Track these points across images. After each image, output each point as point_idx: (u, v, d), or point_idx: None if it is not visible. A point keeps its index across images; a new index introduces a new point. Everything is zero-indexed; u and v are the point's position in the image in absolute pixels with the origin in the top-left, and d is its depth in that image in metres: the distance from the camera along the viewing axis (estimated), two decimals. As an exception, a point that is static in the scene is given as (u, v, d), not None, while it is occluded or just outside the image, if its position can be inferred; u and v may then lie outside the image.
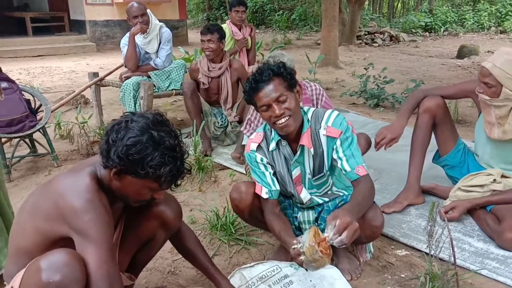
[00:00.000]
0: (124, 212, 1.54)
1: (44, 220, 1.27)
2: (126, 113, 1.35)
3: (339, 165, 1.74)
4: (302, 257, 1.46)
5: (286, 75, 1.67)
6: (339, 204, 1.89)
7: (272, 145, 1.79)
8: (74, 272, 1.15)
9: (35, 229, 1.28)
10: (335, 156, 1.75)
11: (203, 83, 3.58)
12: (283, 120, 1.65)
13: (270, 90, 1.64)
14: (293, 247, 1.52)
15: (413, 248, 2.13)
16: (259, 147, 1.82)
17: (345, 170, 1.73)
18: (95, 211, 1.24)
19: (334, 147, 1.74)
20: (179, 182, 1.37)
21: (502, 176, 2.28)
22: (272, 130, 1.78)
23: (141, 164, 1.24)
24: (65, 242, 1.25)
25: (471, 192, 2.27)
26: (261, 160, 1.81)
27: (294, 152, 1.79)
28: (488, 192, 2.24)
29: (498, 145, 2.27)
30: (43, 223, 1.27)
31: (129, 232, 1.57)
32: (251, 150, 1.83)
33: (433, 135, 2.51)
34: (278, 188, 1.84)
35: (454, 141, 2.49)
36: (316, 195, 1.90)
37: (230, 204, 1.99)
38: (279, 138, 1.77)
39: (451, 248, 1.59)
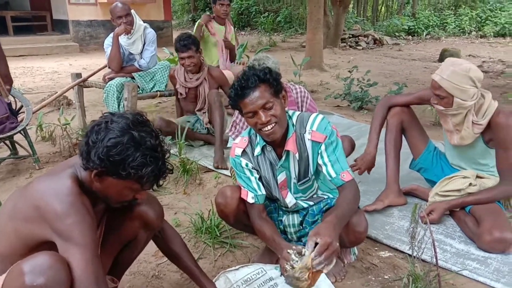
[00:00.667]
0: (105, 213, 1.52)
1: (24, 224, 1.24)
2: (105, 114, 1.33)
3: (324, 170, 1.74)
4: (288, 267, 1.44)
5: (272, 82, 1.64)
6: (324, 208, 1.90)
7: (257, 150, 1.78)
8: (58, 275, 1.13)
9: (14, 233, 1.25)
10: (320, 162, 1.74)
11: (180, 93, 3.56)
12: (269, 127, 1.64)
13: (256, 97, 1.61)
14: (288, 250, 1.49)
15: (396, 249, 2.15)
16: (244, 152, 1.81)
17: (330, 176, 1.73)
18: (77, 214, 1.22)
19: (319, 152, 1.74)
20: (161, 182, 1.36)
21: (477, 176, 2.33)
22: (257, 135, 1.77)
23: (122, 165, 1.23)
24: (47, 246, 1.23)
25: (448, 196, 2.32)
26: (246, 165, 1.80)
27: (279, 157, 1.78)
28: (465, 195, 2.28)
29: (463, 149, 2.35)
30: (23, 227, 1.24)
31: (110, 233, 1.55)
32: (236, 155, 1.81)
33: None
34: (264, 192, 1.83)
35: (424, 144, 2.59)
36: (302, 199, 1.90)
37: (215, 207, 1.98)
38: (264, 143, 1.76)
39: (433, 250, 1.62)
